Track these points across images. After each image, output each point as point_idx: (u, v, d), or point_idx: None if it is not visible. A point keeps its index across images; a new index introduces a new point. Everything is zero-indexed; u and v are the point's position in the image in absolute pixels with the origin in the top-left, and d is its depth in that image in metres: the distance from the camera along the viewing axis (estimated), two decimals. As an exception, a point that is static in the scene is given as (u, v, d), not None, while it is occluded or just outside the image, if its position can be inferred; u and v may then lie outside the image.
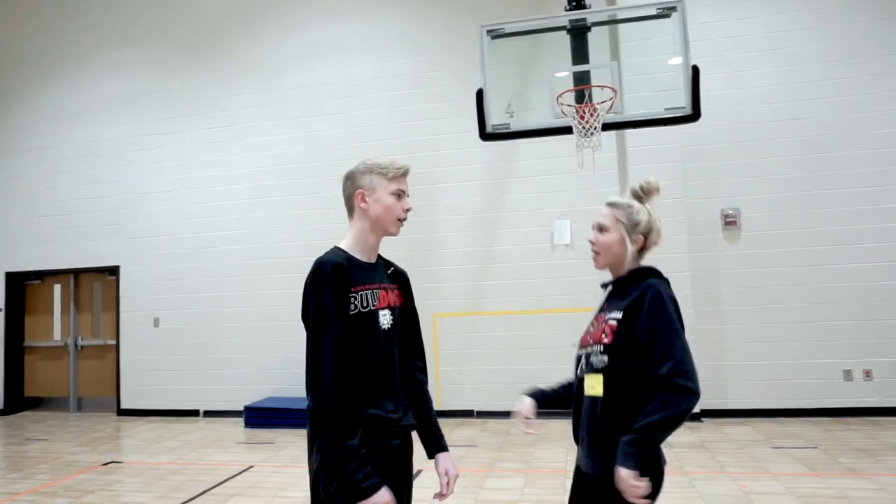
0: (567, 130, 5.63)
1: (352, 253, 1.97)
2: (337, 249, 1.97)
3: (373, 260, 2.03)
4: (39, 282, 9.54)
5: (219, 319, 8.35)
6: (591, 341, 2.00)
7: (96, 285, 9.31)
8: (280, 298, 7.96)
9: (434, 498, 2.05)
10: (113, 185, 9.04)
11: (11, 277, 9.40)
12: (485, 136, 5.88)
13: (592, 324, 2.08)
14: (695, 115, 5.39)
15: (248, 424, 7.59)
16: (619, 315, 1.92)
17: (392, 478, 1.83)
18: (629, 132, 6.95)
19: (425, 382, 2.12)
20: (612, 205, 2.07)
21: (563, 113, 5.57)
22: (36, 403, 9.49)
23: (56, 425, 8.25)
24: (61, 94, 9.39)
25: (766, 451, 5.57)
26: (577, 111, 5.41)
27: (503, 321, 7.57)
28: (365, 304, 1.89)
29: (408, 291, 2.14)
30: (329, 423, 1.73)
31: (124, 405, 8.72)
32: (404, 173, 2.01)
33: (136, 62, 9.10)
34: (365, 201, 1.97)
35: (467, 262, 7.76)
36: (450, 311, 7.73)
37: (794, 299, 6.98)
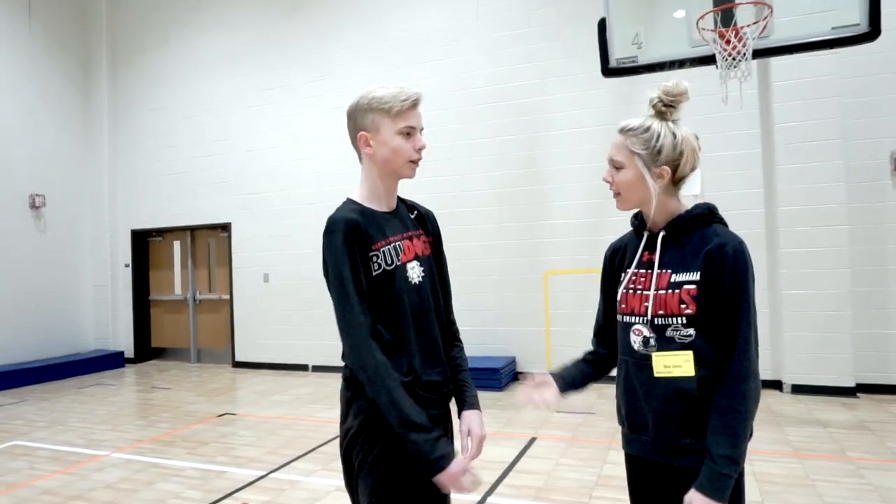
0: (706, 61, 4.86)
1: (366, 204, 1.74)
2: (349, 202, 1.74)
3: (392, 206, 1.78)
4: (160, 239, 9.97)
5: (325, 276, 8.27)
6: (658, 310, 1.56)
7: (210, 242, 9.59)
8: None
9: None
10: (224, 143, 9.17)
11: (136, 235, 9.88)
12: (608, 71, 5.23)
13: (638, 281, 1.62)
14: (873, 33, 4.45)
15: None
16: (696, 276, 1.54)
17: None
18: (774, 62, 6.00)
19: (455, 337, 1.91)
20: (623, 131, 1.64)
21: (703, 39, 4.79)
22: (161, 353, 10.05)
23: (178, 375, 8.64)
24: (177, 53, 9.58)
25: (949, 436, 4.69)
26: (721, 36, 4.62)
27: (621, 280, 6.95)
28: (390, 261, 1.68)
29: (437, 237, 1.90)
30: (380, 391, 1.56)
31: (238, 358, 9.00)
32: (413, 104, 1.71)
33: (244, 18, 9.05)
34: (369, 144, 1.72)
35: (582, 215, 7.15)
36: (562, 269, 7.20)
37: (981, 257, 5.83)
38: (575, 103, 7.20)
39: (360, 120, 1.73)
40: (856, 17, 4.51)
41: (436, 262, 1.86)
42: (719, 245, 1.54)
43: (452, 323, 1.92)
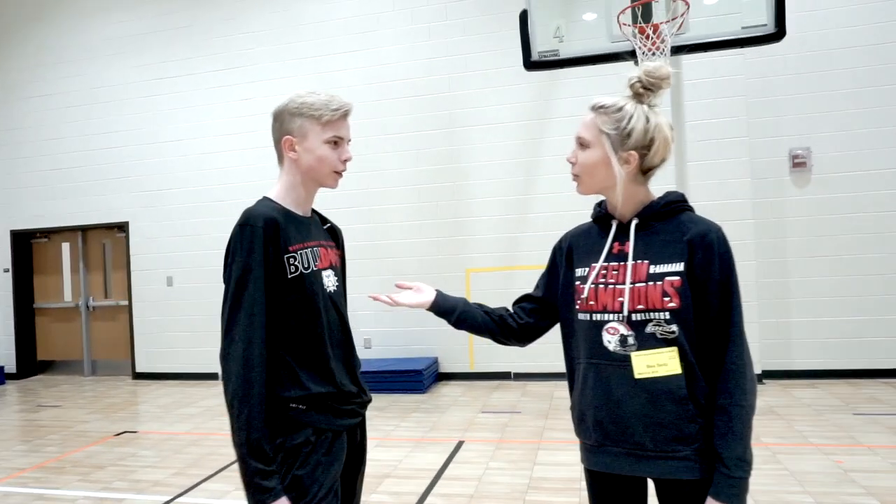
0: (624, 57, 4.88)
1: (284, 205, 1.67)
2: (267, 200, 1.67)
3: (308, 213, 1.74)
4: (47, 240, 9.04)
5: (235, 278, 7.78)
6: (637, 305, 1.44)
7: (105, 243, 8.80)
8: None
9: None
10: (120, 135, 8.42)
11: (17, 236, 8.91)
12: (530, 65, 5.16)
13: (609, 274, 1.50)
14: (779, 34, 4.64)
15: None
16: (678, 267, 1.44)
17: (348, 459, 1.68)
18: (686, 61, 6.15)
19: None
20: (595, 108, 1.53)
21: (622, 34, 4.81)
22: (49, 366, 9.12)
23: (70, 390, 7.86)
24: (63, 35, 8.69)
25: (850, 418, 4.97)
26: (641, 31, 4.65)
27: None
28: (307, 265, 1.61)
29: (343, 252, 1.87)
30: (239, 410, 1.47)
31: (139, 368, 8.31)
32: (343, 114, 1.67)
33: (138, -1, 8.36)
34: (294, 150, 1.66)
35: (502, 212, 7.09)
36: (483, 266, 7.12)
37: (869, 249, 6.26)
38: (495, 98, 7.13)
39: (286, 123, 1.66)
40: (764, 19, 4.67)
41: (343, 277, 1.82)
42: (702, 233, 1.44)
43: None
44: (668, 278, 1.43)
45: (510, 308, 1.77)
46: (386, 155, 7.40)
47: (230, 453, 4.79)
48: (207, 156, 8.05)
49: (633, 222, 1.51)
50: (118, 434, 5.60)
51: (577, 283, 1.56)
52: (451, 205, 7.23)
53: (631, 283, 1.46)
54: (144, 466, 4.61)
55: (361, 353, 7.39)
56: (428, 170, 7.30)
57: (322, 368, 1.61)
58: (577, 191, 1.57)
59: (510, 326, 1.72)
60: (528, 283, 6.40)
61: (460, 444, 4.75)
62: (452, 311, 1.73)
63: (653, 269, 1.45)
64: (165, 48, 8.26)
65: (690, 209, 1.54)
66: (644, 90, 1.48)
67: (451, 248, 7.24)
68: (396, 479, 4.02)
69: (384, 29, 7.47)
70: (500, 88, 7.08)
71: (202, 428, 5.67)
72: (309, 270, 1.62)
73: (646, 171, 1.52)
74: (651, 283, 1.44)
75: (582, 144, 1.53)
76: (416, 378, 6.63)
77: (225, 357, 1.52)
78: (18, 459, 4.98)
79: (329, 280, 1.68)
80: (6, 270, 8.87)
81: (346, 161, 1.69)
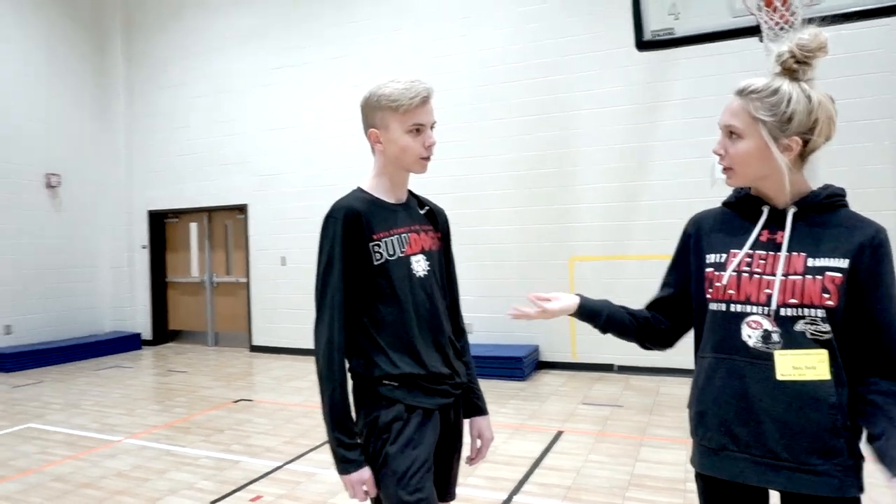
0: (749, 32, 4.53)
1: (375, 194, 1.72)
2: (358, 191, 1.74)
3: (402, 199, 1.77)
4: (177, 220, 9.85)
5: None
6: (789, 299, 1.30)
7: (227, 224, 9.45)
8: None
9: (466, 462, 1.88)
10: (240, 123, 8.98)
11: (153, 216, 9.77)
12: (642, 44, 4.90)
13: (756, 263, 1.36)
14: (936, 1, 4.08)
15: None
16: (843, 263, 1.30)
17: (444, 439, 1.72)
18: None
19: (464, 337, 1.90)
20: (744, 93, 1.37)
21: (746, 8, 4.46)
22: (178, 336, 9.97)
23: (195, 358, 8.55)
24: (192, 30, 9.37)
25: None
26: (768, 4, 4.28)
27: (650, 266, 6.62)
28: (392, 252, 1.66)
29: (446, 234, 1.87)
30: (325, 384, 1.58)
31: (255, 342, 8.89)
32: (422, 101, 1.64)
33: (258, -7, 8.83)
34: (379, 141, 1.70)
35: (609, 199, 6.86)
36: (588, 255, 6.94)
37: None
38: (603, 81, 6.88)
39: (369, 116, 1.71)
40: (917, -16, 4.16)
41: (445, 259, 1.84)
42: (872, 233, 1.33)
43: (459, 322, 1.91)
44: (829, 273, 1.31)
45: (647, 313, 1.67)
46: (490, 141, 7.37)
47: (335, 426, 5.02)
48: (319, 141, 8.39)
49: (791, 210, 1.38)
50: (236, 401, 6.02)
51: (710, 269, 1.44)
52: (556, 191, 7.09)
53: (783, 275, 1.34)
54: (258, 433, 4.93)
55: (462, 337, 7.52)
56: (532, 156, 7.19)
57: (409, 350, 1.65)
58: (727, 183, 1.45)
59: (654, 329, 1.64)
60: (636, 273, 6.23)
61: (559, 434, 4.69)
62: (599, 314, 1.64)
63: (812, 262, 1.33)
64: (282, 39, 8.67)
65: (847, 204, 1.40)
66: (798, 65, 1.33)
67: (554, 235, 7.11)
68: (493, 465, 4.03)
69: (490, 12, 7.41)
70: (608, 71, 6.83)
71: (312, 401, 5.97)
72: (394, 257, 1.66)
73: (806, 156, 1.38)
74: (809, 277, 1.31)
75: (732, 133, 1.39)
76: (516, 365, 6.60)
77: (314, 339, 1.64)
78: (152, 417, 5.49)
79: (419, 265, 1.70)
80: (144, 247, 9.76)
81: (430, 146, 1.68)
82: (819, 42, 1.32)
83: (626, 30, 5.07)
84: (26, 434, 5.07)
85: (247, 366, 7.93)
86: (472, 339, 7.33)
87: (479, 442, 1.88)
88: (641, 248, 6.63)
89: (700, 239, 1.52)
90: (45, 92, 8.94)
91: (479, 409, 1.88)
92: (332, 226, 1.65)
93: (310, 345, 1.66)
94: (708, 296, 1.44)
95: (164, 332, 9.88)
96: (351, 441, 1.58)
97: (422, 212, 1.81)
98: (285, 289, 8.63)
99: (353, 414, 1.64)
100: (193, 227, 9.72)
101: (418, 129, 1.65)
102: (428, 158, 1.70)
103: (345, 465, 1.58)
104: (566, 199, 7.05)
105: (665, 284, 1.64)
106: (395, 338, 1.64)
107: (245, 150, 8.93)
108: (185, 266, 9.82)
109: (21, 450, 4.65)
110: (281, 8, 8.68)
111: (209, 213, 9.53)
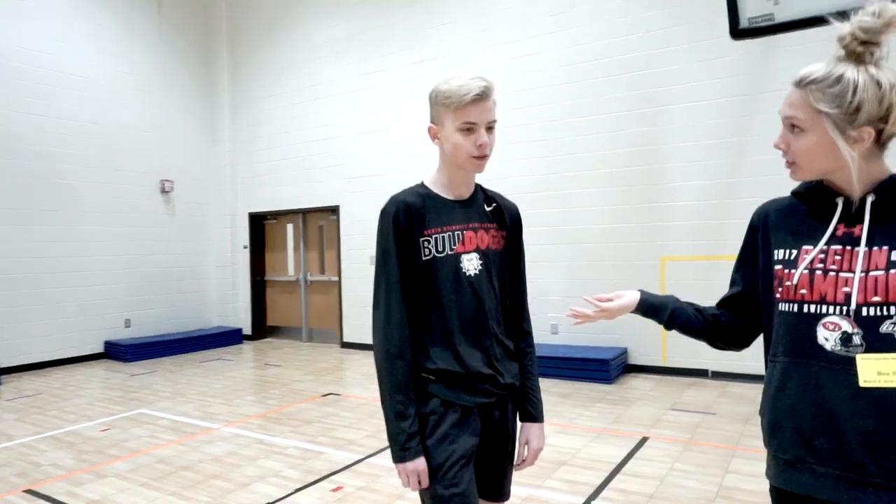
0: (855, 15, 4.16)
1: (434, 189, 1.73)
2: (418, 186, 1.75)
3: (463, 196, 1.74)
4: (275, 221, 10.38)
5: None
6: (871, 297, 1.17)
7: (322, 224, 9.84)
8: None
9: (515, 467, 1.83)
10: (333, 127, 9.33)
11: (253, 217, 10.35)
12: (738, 33, 4.66)
13: (832, 259, 1.24)
14: None
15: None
16: None
17: (488, 439, 1.70)
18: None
19: (525, 340, 1.83)
20: (803, 84, 1.23)
21: (856, -12, 4.10)
22: (276, 331, 10.50)
23: (290, 353, 8.97)
24: (289, 42, 9.85)
25: None
26: (881, -19, 3.92)
27: (748, 268, 6.27)
28: (441, 249, 1.65)
29: (513, 231, 1.81)
30: (382, 375, 1.63)
31: (346, 339, 9.20)
32: (474, 99, 1.58)
33: (349, 2, 9.12)
34: (437, 137, 1.70)
35: (703, 196, 6.53)
36: (681, 255, 6.64)
37: None
38: (697, 74, 6.55)
39: (431, 112, 1.72)
40: None
41: (509, 258, 1.80)
42: None
43: (523, 325, 1.84)
44: None
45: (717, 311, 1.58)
46: (580, 138, 7.21)
47: (417, 423, 5.09)
48: (408, 143, 8.56)
49: (869, 200, 1.24)
50: (325, 395, 6.26)
51: (778, 267, 1.34)
52: (647, 189, 6.84)
53: (863, 272, 1.22)
54: (344, 426, 5.10)
55: (548, 338, 7.42)
56: (623, 153, 6.97)
57: (449, 347, 1.64)
58: (791, 177, 1.34)
59: (725, 328, 1.54)
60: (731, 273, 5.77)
61: (644, 439, 4.51)
62: (662, 309, 1.58)
63: None
64: (371, 45, 8.93)
65: None
66: (863, 47, 1.19)
67: (645, 234, 6.85)
68: (573, 468, 3.95)
69: (579, 8, 7.25)
70: (703, 63, 6.49)
71: (395, 397, 6.10)
72: (443, 254, 1.65)
73: (883, 143, 1.25)
74: (894, 272, 1.19)
75: (794, 126, 1.27)
76: (603, 368, 6.43)
77: (372, 331, 1.68)
78: (247, 408, 5.81)
79: (470, 263, 1.67)
80: (245, 247, 10.36)
81: (481, 146, 1.62)
82: (886, 17, 1.17)
83: (721, 18, 4.82)
84: (139, 419, 5.53)
85: (337, 361, 8.22)
86: (559, 339, 7.30)
87: (526, 449, 1.81)
88: (737, 248, 6.23)
89: (767, 232, 1.40)
90: (160, 105, 9.71)
91: (530, 415, 1.82)
92: (384, 220, 1.67)
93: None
94: (777, 295, 1.33)
95: (262, 328, 10.44)
96: (407, 431, 1.60)
97: (488, 209, 1.77)
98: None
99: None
100: (290, 228, 10.20)
101: (470, 128, 1.61)
102: (481, 158, 1.65)
103: (402, 454, 1.60)
104: (657, 196, 6.78)
105: (733, 282, 1.54)
106: (437, 333, 1.65)
107: (337, 153, 9.27)
108: (283, 265, 10.33)
109: (133, 433, 5.07)
110: (371, 14, 8.94)
111: (304, 214, 9.98)
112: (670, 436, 4.59)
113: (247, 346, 9.72)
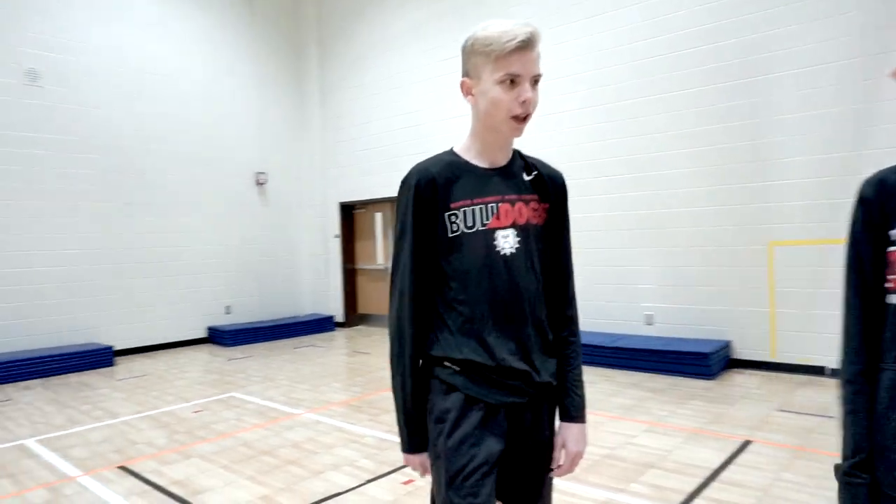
0: None
1: (464, 156, 1.51)
2: (447, 152, 1.54)
3: (499, 163, 1.51)
4: (364, 210, 10.51)
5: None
6: None
7: (408, 213, 9.82)
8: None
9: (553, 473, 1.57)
10: (413, 115, 9.28)
11: (343, 207, 10.53)
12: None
13: None
14: None
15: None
16: None
17: (520, 444, 1.46)
18: None
19: (569, 328, 1.57)
20: None
21: None
22: (366, 319, 10.66)
23: (378, 341, 9.05)
24: (372, 31, 9.89)
25: None
26: None
27: (874, 253, 5.54)
28: (471, 224, 1.43)
29: (557, 203, 1.55)
30: (392, 362, 1.51)
31: (433, 327, 9.15)
32: (519, 45, 1.34)
33: (431, -14, 9.02)
34: (471, 93, 1.46)
35: (817, 173, 5.84)
36: (791, 239, 5.99)
37: None
38: (810, 35, 5.85)
39: (465, 64, 1.48)
40: None
41: (552, 234, 1.55)
42: None
43: (567, 311, 1.59)
44: None
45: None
46: (669, 115, 6.69)
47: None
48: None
49: None
50: (407, 384, 6.21)
51: (893, 248, 1.08)
52: (749, 167, 6.22)
53: None
54: (422, 416, 5.01)
55: (641, 329, 6.99)
56: (720, 128, 6.38)
57: (477, 336, 1.43)
58: None
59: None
60: (840, 257, 4.95)
61: (746, 443, 4.08)
62: None
63: None
64: (444, 31, 8.79)
65: None
66: None
67: (748, 217, 6.25)
68: (661, 472, 3.62)
69: (673, -27, 6.70)
70: (817, 22, 5.78)
71: (477, 388, 5.95)
72: (473, 229, 1.43)
73: None
74: None
75: None
76: (702, 362, 5.94)
77: (388, 317, 1.54)
78: (332, 395, 5.88)
79: (506, 241, 1.44)
80: (336, 236, 10.58)
81: (524, 102, 1.38)
82: None
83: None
84: (229, 402, 5.72)
85: (423, 350, 8.18)
86: (654, 330, 6.84)
87: (561, 452, 1.55)
88: (862, 230, 5.53)
89: (884, 207, 1.11)
90: (255, 100, 10.07)
91: (569, 413, 1.55)
92: (404, 193, 1.48)
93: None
94: (888, 285, 1.05)
95: (354, 315, 10.62)
96: (415, 423, 1.50)
97: (528, 178, 1.53)
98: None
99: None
100: (378, 216, 10.29)
101: (513, 81, 1.37)
102: (523, 119, 1.41)
103: (405, 446, 1.54)
104: (762, 176, 6.15)
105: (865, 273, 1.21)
106: (464, 320, 1.44)
107: (419, 141, 9.19)
108: (371, 254, 10.44)
109: (222, 415, 5.25)
110: (439, 2, 8.77)
111: (391, 203, 10.01)
112: (778, 441, 4.12)
113: (339, 333, 9.93)
